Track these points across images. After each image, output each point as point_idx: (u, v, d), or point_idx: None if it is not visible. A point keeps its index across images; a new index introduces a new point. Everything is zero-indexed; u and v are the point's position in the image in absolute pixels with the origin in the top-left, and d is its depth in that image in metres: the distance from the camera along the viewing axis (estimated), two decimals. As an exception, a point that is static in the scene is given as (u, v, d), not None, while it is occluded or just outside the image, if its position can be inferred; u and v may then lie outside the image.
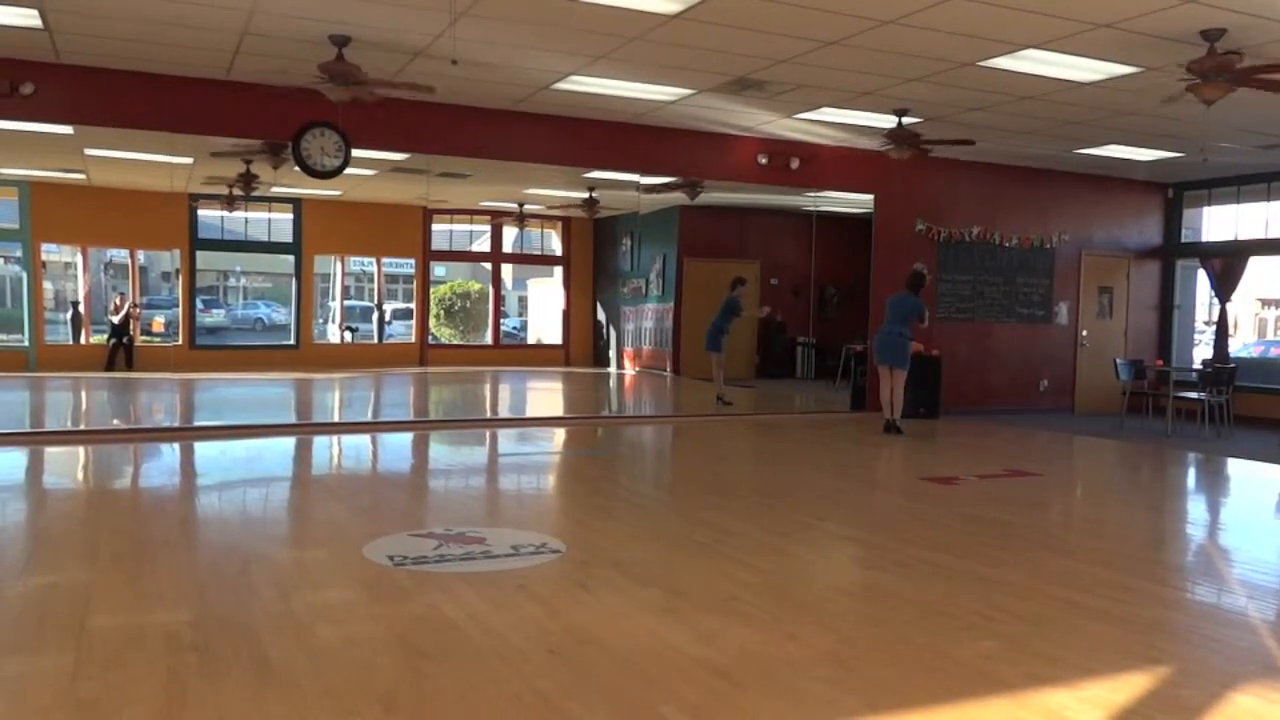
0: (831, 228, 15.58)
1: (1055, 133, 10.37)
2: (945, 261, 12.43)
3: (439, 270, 22.06)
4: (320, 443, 9.38)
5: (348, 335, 19.61)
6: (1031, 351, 13.17)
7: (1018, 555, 5.32)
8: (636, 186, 13.31)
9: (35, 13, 7.05)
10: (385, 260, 19.52)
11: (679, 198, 14.01)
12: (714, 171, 11.48)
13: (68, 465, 8.07)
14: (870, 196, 12.04)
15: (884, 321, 10.33)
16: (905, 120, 9.63)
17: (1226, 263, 13.12)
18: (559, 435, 10.41)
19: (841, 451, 9.56)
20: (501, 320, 20.50)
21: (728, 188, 13.00)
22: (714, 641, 3.70)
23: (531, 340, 21.85)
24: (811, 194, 13.33)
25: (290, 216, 17.19)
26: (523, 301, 25.34)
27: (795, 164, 11.29)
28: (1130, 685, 3.38)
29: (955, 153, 10.98)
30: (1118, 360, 12.15)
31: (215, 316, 26.64)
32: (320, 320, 19.32)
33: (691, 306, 15.97)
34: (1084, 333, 13.54)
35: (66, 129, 9.99)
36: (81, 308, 16.94)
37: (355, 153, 9.38)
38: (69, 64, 8.41)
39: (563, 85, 8.88)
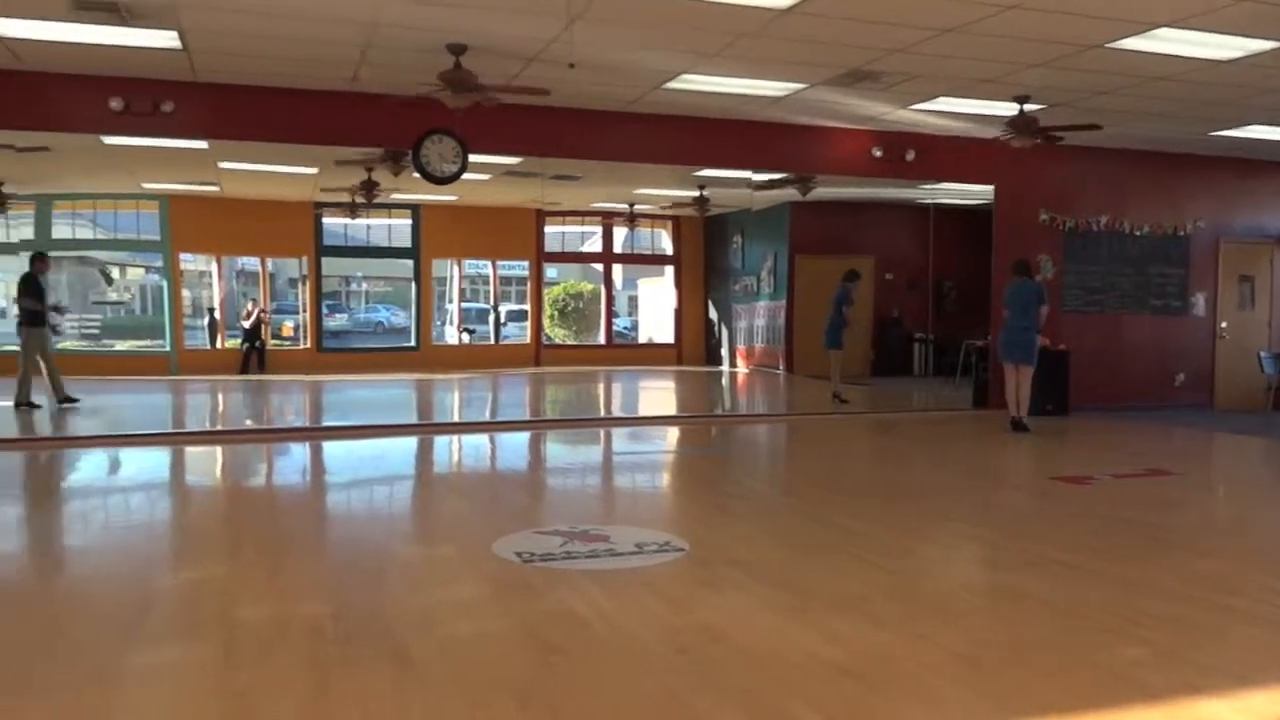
0: (949, 220, 15.17)
1: (1190, 115, 9.87)
2: (1071, 253, 11.98)
3: (550, 272, 22.37)
4: (441, 442, 9.62)
5: (465, 337, 20.05)
6: (1166, 345, 12.57)
7: (1159, 557, 5.09)
8: (748, 183, 13.23)
9: (175, 34, 7.43)
10: (499, 262, 19.90)
11: (790, 194, 13.87)
12: (827, 166, 11.34)
13: (207, 464, 8.47)
14: (990, 187, 11.70)
15: (1006, 316, 10.00)
16: (1027, 107, 9.32)
17: (1382, 247, 12.27)
18: (673, 434, 10.42)
19: (965, 450, 9.31)
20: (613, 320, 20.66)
21: (840, 182, 12.80)
22: (843, 642, 3.64)
23: (643, 340, 21.96)
24: (928, 186, 13.02)
25: (409, 222, 17.68)
26: (633, 301, 25.47)
27: (911, 156, 11.04)
28: (1293, 696, 3.19)
29: (1081, 139, 10.56)
30: (1262, 353, 11.50)
31: (338, 321, 27.59)
32: (439, 322, 19.81)
33: (804, 303, 15.78)
34: (1223, 324, 12.84)
35: (202, 144, 10.49)
36: (217, 314, 17.78)
37: (471, 158, 9.59)
38: (205, 82, 8.84)
39: (674, 84, 8.89)
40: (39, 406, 10.67)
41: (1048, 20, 6.82)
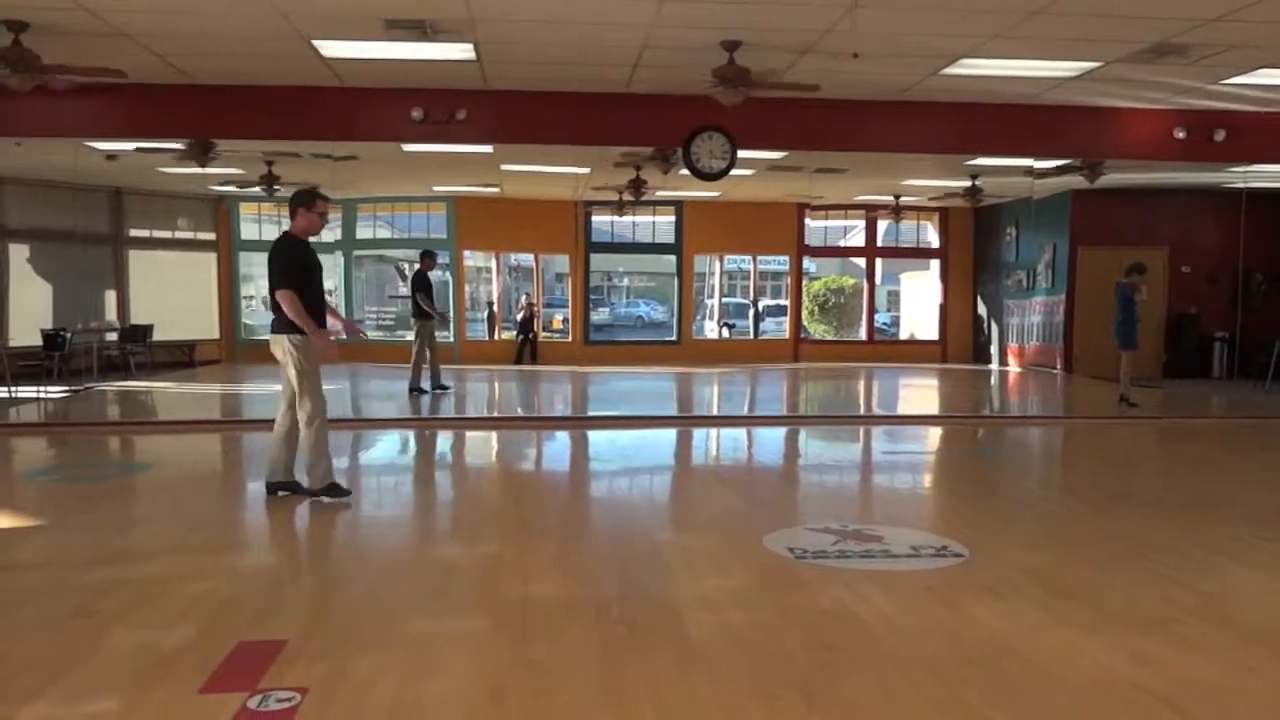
0: (1262, 206, 13.65)
1: None
2: None
3: (809, 266, 22.13)
4: (701, 434, 9.76)
5: (725, 332, 20.25)
6: None
7: None
8: (1028, 171, 12.48)
9: (470, 47, 7.97)
10: (759, 257, 19.91)
11: (1074, 181, 12.95)
12: (1119, 150, 10.50)
13: (490, 448, 9.02)
14: (1316, 168, 10.42)
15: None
16: (1369, 75, 8.21)
17: None
18: (939, 434, 10.04)
19: (1281, 462, 8.36)
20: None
21: (1132, 167, 11.81)
22: (1152, 665, 3.36)
23: (904, 336, 21.29)
24: (1238, 169, 11.76)
25: (672, 218, 18.06)
26: (892, 296, 24.69)
27: (1220, 136, 10.00)
28: None
29: None
30: None
31: (600, 314, 28.66)
32: (699, 317, 20.11)
33: (1086, 299, 14.71)
34: None
35: (487, 148, 11.19)
36: (495, 307, 18.96)
37: (739, 153, 9.64)
38: (494, 90, 9.42)
39: (951, 70, 8.53)
40: (448, 388, 12.00)
41: (1402, -25, 5.98)
